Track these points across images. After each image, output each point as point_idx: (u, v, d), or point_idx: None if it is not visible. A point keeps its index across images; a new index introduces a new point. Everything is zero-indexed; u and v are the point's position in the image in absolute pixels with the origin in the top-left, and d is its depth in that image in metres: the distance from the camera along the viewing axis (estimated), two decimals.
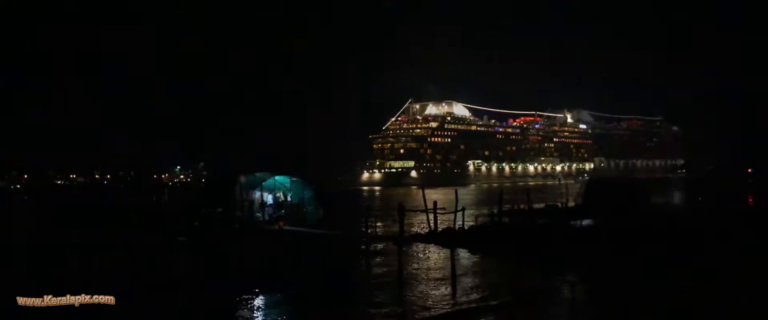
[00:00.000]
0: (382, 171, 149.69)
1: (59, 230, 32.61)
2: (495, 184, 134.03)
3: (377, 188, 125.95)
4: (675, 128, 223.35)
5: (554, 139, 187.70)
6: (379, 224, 31.20)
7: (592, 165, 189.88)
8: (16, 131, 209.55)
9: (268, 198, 33.93)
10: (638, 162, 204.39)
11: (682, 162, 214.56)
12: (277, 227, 30.12)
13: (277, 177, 35.05)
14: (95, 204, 43.48)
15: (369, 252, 25.60)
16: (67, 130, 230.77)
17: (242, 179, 32.49)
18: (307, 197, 35.57)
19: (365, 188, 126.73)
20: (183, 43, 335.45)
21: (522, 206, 31.95)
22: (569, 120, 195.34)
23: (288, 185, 35.27)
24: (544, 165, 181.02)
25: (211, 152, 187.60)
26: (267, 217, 31.90)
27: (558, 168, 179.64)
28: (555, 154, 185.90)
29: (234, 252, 25.86)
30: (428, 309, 15.31)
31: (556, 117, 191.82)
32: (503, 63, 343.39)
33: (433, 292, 17.32)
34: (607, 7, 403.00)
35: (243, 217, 30.95)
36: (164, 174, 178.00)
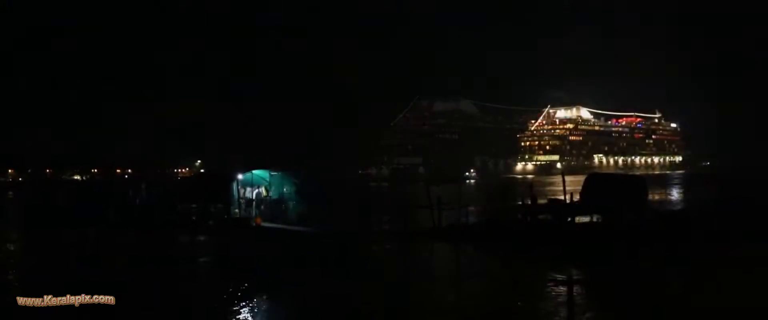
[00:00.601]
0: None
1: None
2: (501, 180, 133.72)
3: (385, 184, 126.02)
4: (674, 125, 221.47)
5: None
6: (383, 220, 31.15)
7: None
8: (17, 126, 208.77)
9: (272, 194, 33.97)
10: (637, 160, 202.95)
11: (680, 158, 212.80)
12: (278, 224, 30.05)
13: (277, 173, 35.00)
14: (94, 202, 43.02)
15: (372, 249, 25.55)
16: (69, 127, 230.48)
17: (240, 176, 32.49)
18: (311, 193, 35.53)
19: (374, 184, 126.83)
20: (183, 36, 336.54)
21: (527, 201, 31.95)
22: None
23: (291, 181, 35.28)
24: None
25: (210, 147, 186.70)
26: (269, 213, 31.87)
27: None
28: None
29: (229, 250, 25.70)
30: (431, 312, 14.99)
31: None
32: (507, 58, 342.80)
33: (437, 292, 17.15)
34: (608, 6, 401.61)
35: (240, 214, 30.98)
36: (170, 168, 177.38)
